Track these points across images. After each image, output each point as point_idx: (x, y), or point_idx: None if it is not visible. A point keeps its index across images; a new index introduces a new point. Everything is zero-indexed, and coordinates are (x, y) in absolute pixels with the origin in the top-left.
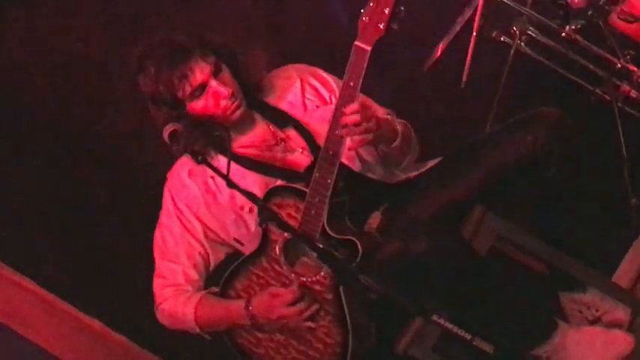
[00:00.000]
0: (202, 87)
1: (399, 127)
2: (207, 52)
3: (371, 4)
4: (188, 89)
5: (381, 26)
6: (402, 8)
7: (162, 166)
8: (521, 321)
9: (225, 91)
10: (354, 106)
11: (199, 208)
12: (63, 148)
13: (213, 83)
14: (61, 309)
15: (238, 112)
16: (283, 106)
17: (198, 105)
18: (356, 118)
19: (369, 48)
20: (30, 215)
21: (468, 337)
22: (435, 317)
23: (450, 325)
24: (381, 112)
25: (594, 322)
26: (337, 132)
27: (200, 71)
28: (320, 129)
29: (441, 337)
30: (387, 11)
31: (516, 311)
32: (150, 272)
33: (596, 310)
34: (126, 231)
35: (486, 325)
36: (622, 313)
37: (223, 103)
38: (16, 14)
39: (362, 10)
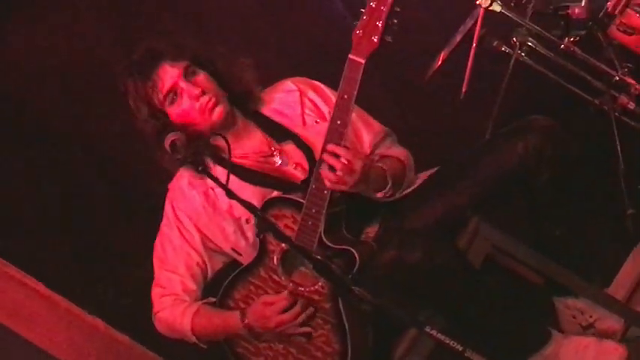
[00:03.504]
0: (175, 91)
1: (391, 176)
2: (178, 57)
3: (364, 18)
4: (160, 95)
5: (375, 39)
6: (396, 21)
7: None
8: (514, 331)
9: (195, 89)
10: (338, 149)
11: (199, 219)
12: (67, 148)
13: (183, 85)
14: (66, 308)
15: (217, 110)
16: (282, 120)
17: (177, 110)
18: (335, 162)
19: (362, 61)
20: (34, 215)
21: (460, 348)
22: (427, 328)
23: (441, 337)
24: (376, 129)
25: (587, 327)
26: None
27: (168, 76)
28: (318, 144)
29: (438, 347)
30: (380, 24)
31: (510, 321)
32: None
33: (590, 316)
34: (130, 230)
35: (480, 336)
36: (615, 321)
37: (197, 104)
38: (18, 19)
39: (355, 23)
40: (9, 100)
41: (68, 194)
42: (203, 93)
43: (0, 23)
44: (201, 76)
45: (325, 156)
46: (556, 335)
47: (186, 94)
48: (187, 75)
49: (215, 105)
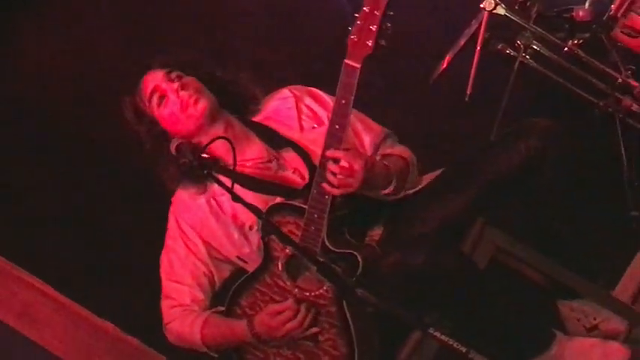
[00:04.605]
0: (157, 92)
1: (395, 173)
2: (164, 65)
3: (358, 22)
4: (145, 100)
5: (369, 43)
6: (390, 25)
7: None
8: (519, 333)
9: (174, 85)
10: (337, 153)
11: (203, 229)
12: (78, 152)
13: (163, 85)
14: (74, 311)
15: (200, 105)
16: (278, 127)
17: (164, 113)
18: (334, 167)
19: (358, 66)
20: (44, 218)
21: (464, 350)
22: (431, 330)
23: (445, 339)
24: (376, 130)
25: (592, 329)
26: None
27: (151, 79)
28: (317, 149)
29: (442, 348)
30: (374, 28)
31: (514, 323)
32: None
33: (594, 319)
34: (139, 234)
35: (484, 337)
36: (619, 323)
37: (179, 100)
38: (31, 25)
39: (349, 28)
40: (23, 105)
41: (80, 198)
42: (182, 88)
43: (12, 30)
44: (188, 80)
45: (324, 162)
46: (560, 336)
47: (170, 94)
48: (171, 78)
49: (197, 100)
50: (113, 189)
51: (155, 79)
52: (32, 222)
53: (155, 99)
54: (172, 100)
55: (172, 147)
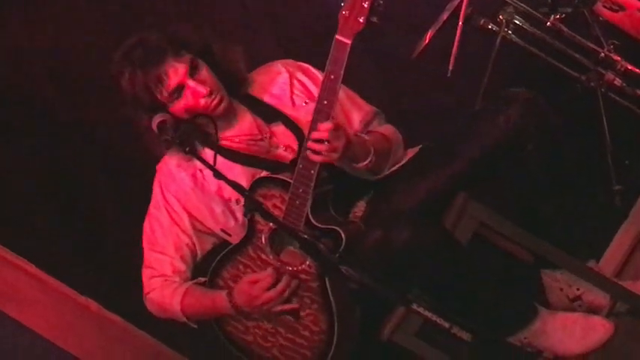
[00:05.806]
0: (180, 88)
1: (373, 147)
2: (181, 51)
3: None
4: (165, 93)
5: (361, 20)
6: (382, 2)
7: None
8: (501, 308)
9: (203, 89)
10: (328, 125)
11: (188, 200)
12: (62, 131)
13: (191, 83)
14: (58, 290)
15: (221, 107)
16: (271, 101)
17: (179, 105)
18: (325, 135)
19: (349, 41)
20: (28, 197)
21: (447, 325)
22: (414, 306)
23: (428, 314)
24: (366, 109)
25: (575, 299)
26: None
27: (175, 73)
28: (308, 124)
29: (425, 323)
30: (366, 5)
31: (497, 298)
32: None
33: (577, 289)
34: (123, 212)
35: (467, 312)
36: (602, 294)
37: (203, 101)
38: (18, 9)
39: (342, 4)
40: (9, 86)
41: (66, 177)
42: (210, 93)
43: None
44: (204, 71)
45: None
46: (543, 311)
47: (192, 92)
48: (192, 71)
49: (219, 103)
50: (93, 166)
51: (179, 73)
52: (16, 201)
53: (176, 93)
54: (194, 101)
55: (154, 124)
